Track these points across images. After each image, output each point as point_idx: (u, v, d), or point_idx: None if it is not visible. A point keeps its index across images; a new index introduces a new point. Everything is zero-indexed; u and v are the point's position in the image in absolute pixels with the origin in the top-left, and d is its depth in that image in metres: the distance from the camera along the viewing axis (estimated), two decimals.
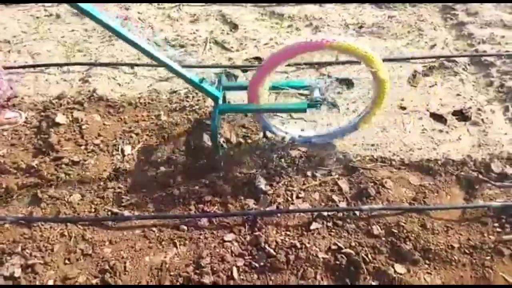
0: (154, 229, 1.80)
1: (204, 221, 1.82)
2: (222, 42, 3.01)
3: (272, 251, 1.67)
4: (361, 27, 3.16)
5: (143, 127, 2.30)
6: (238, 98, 2.32)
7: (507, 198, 1.89)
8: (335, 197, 1.91)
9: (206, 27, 3.16)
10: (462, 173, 1.99)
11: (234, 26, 3.21)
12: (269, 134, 2.15)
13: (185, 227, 1.80)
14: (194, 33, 3.09)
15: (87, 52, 2.98)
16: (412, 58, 2.76)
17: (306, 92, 1.99)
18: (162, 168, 2.06)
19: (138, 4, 3.33)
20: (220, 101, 1.92)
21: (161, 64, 1.73)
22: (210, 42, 3.02)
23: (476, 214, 1.83)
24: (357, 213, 1.83)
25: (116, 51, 2.95)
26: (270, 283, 1.60)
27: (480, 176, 1.96)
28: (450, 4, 3.42)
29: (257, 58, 2.85)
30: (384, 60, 2.70)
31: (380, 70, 1.76)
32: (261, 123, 2.11)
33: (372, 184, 1.93)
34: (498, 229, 1.76)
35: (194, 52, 2.94)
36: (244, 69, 2.74)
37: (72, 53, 2.98)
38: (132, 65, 2.77)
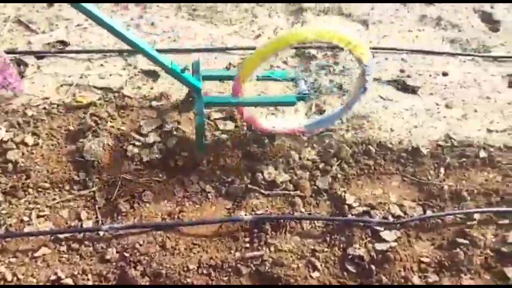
0: None
1: None
2: (27, 22, 2.62)
3: None
4: (195, 9, 2.91)
5: None
6: None
7: (271, 208, 1.83)
8: (84, 215, 1.73)
9: (15, 4, 2.73)
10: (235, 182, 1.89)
11: (51, 3, 2.81)
12: None
13: None
14: None
15: None
16: (230, 49, 2.58)
17: None
18: None
19: None
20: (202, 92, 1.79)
21: (138, 49, 1.61)
22: (12, 22, 2.61)
23: (233, 228, 1.75)
24: (101, 233, 1.67)
25: None
26: None
27: (250, 185, 1.88)
28: None
29: (62, 42, 2.52)
30: (202, 50, 2.56)
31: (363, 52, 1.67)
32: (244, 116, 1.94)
33: (129, 197, 1.78)
34: (247, 245, 1.70)
35: None
36: (40, 55, 2.41)
37: None
38: None
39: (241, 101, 1.84)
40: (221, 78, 2.04)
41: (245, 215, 1.77)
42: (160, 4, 2.89)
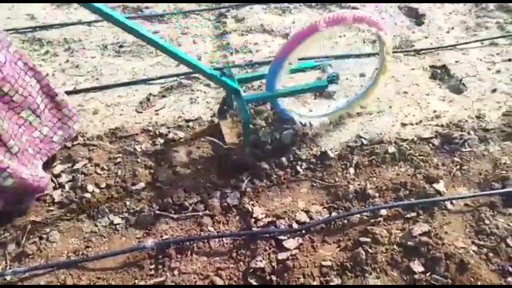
0: None
1: None
2: None
3: None
4: (121, 46, 3.02)
5: None
6: None
7: (180, 231, 1.85)
8: None
9: None
10: (144, 211, 1.92)
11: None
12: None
13: None
14: None
15: None
16: (149, 80, 2.66)
17: None
18: None
19: None
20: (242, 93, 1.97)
21: (179, 60, 1.81)
22: None
23: (139, 257, 1.76)
24: (8, 278, 1.69)
25: None
26: None
27: (158, 211, 1.90)
28: (224, 10, 3.38)
29: None
30: (123, 84, 2.63)
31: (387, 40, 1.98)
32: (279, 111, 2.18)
33: (36, 239, 1.80)
34: (152, 272, 1.70)
35: None
36: None
37: None
38: None
39: (277, 93, 2.00)
40: (253, 79, 2.23)
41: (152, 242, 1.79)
42: (87, 47, 3.00)
